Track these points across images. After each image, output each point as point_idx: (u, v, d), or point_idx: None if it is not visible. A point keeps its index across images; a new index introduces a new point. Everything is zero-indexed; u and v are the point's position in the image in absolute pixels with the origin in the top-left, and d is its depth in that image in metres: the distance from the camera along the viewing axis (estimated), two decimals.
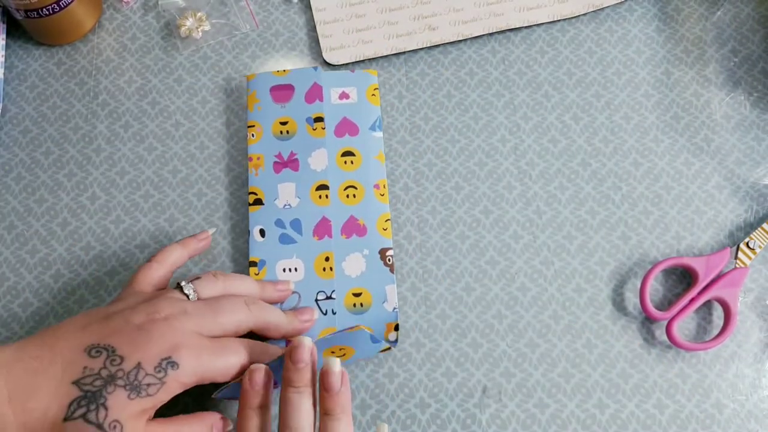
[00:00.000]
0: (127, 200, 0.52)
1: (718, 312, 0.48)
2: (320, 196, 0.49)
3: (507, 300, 0.49)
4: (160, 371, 0.37)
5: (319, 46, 0.56)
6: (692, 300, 0.47)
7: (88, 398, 0.36)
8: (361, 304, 0.47)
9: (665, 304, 0.49)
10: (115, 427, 0.36)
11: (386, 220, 0.49)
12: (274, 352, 0.42)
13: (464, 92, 0.55)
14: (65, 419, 0.35)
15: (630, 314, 0.48)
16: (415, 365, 0.47)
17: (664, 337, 0.47)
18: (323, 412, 0.38)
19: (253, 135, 0.51)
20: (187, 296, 0.42)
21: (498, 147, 0.53)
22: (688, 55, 0.56)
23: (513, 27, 0.56)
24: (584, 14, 0.57)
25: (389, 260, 0.48)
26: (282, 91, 0.52)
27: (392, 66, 0.56)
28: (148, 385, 0.36)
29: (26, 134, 0.54)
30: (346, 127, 0.51)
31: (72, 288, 0.49)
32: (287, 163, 0.50)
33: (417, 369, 0.47)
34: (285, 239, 0.49)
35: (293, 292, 0.47)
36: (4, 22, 0.56)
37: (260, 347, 0.42)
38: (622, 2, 0.57)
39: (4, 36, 0.56)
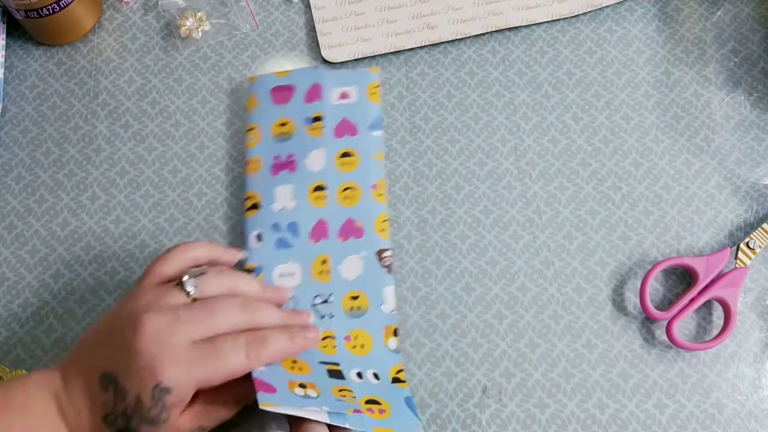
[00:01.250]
0: (127, 200, 0.52)
1: (718, 312, 0.48)
2: (318, 198, 0.49)
3: (507, 300, 0.49)
4: (158, 401, 0.37)
5: (319, 46, 0.56)
6: (692, 300, 0.47)
7: None
8: (359, 307, 0.47)
9: (665, 304, 0.49)
10: None
11: (384, 221, 0.49)
12: (273, 347, 0.41)
13: (464, 92, 0.55)
14: None
15: (630, 314, 0.48)
16: (415, 365, 0.47)
17: (664, 337, 0.47)
18: None
19: (252, 138, 0.51)
20: (188, 293, 0.41)
21: (498, 147, 0.53)
22: (688, 55, 0.56)
23: (511, 26, 0.56)
24: (584, 14, 0.57)
25: (387, 261, 0.48)
26: (282, 92, 0.52)
27: (392, 66, 0.56)
28: (158, 415, 0.38)
29: (26, 134, 0.54)
30: (346, 128, 0.51)
31: (72, 288, 0.49)
32: (285, 165, 0.50)
33: (417, 369, 0.47)
34: (281, 244, 0.48)
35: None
36: (4, 22, 0.56)
37: (259, 338, 0.41)
38: (621, 2, 0.57)
39: (4, 36, 0.56)
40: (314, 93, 0.52)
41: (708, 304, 0.49)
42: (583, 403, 0.46)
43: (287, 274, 0.47)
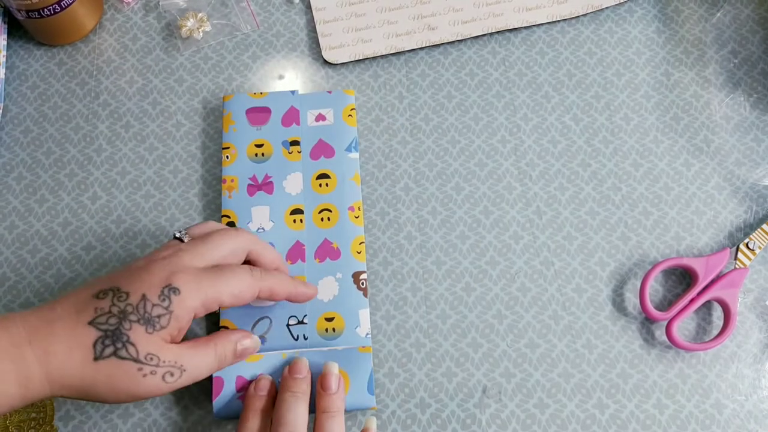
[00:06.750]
0: (128, 200, 0.52)
1: (717, 312, 0.49)
2: (294, 221, 0.49)
3: (507, 300, 0.49)
4: (164, 299, 0.37)
5: (320, 47, 0.56)
6: (692, 300, 0.47)
7: (110, 337, 0.36)
8: (333, 329, 0.46)
9: (665, 304, 0.49)
10: (151, 359, 0.37)
11: (360, 243, 0.49)
12: (272, 280, 0.42)
13: (465, 93, 0.55)
14: (96, 359, 0.36)
15: (630, 314, 0.48)
16: (415, 365, 0.47)
17: (664, 338, 0.47)
18: (320, 410, 0.41)
19: (227, 157, 0.51)
20: (182, 240, 0.42)
21: (498, 148, 0.53)
22: (688, 57, 0.56)
23: (512, 27, 0.56)
24: (584, 15, 0.57)
25: (363, 284, 0.47)
26: (258, 114, 0.52)
27: (393, 67, 0.56)
28: (159, 316, 0.37)
29: (27, 134, 0.54)
30: (322, 150, 0.51)
31: (73, 288, 0.49)
32: (261, 186, 0.50)
33: (417, 369, 0.47)
34: None
35: (265, 317, 0.46)
36: (5, 23, 0.56)
37: (260, 271, 0.42)
38: (621, 3, 0.57)
39: (6, 36, 0.56)
40: (291, 116, 0.52)
41: (707, 305, 0.49)
42: (582, 404, 0.46)
43: None
